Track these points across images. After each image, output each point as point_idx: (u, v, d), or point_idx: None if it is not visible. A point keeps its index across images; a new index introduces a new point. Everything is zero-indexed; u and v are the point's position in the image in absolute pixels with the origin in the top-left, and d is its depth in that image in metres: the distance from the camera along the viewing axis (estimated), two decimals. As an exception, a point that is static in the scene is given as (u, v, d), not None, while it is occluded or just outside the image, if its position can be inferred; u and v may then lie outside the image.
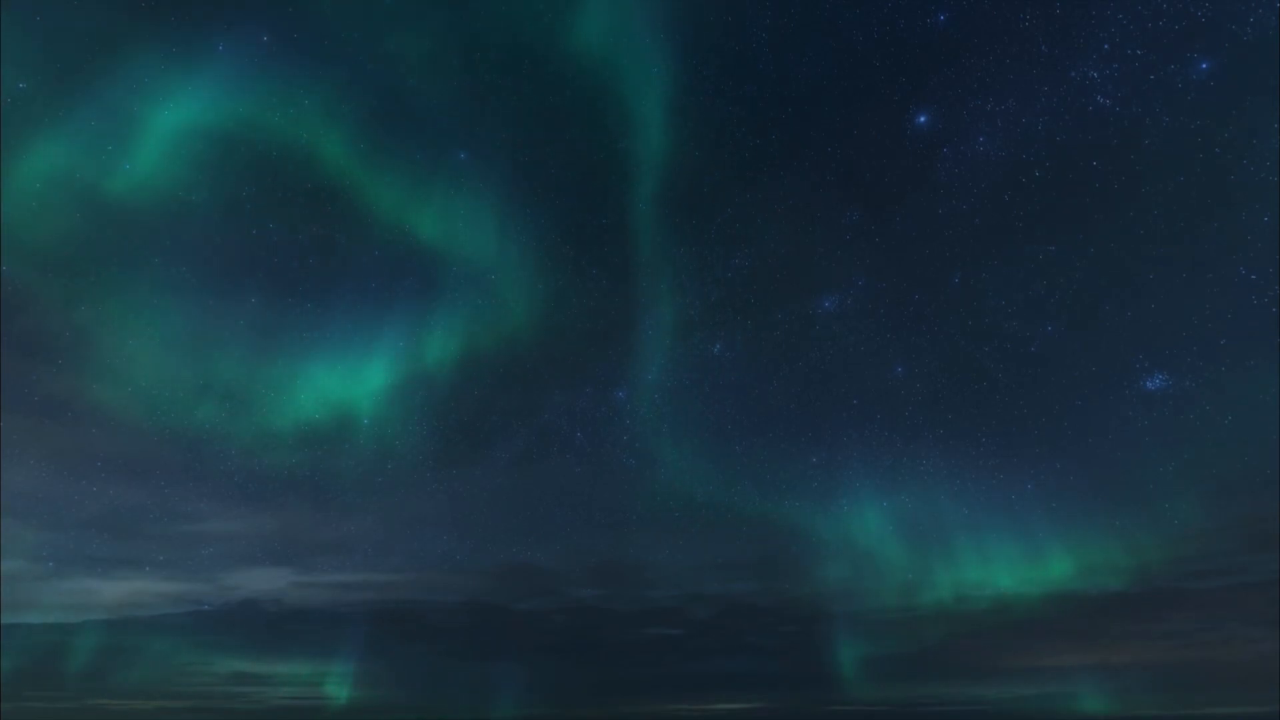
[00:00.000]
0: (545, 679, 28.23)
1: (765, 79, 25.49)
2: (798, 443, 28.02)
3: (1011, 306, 25.35)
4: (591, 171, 27.11)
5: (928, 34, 23.74)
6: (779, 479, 28.00)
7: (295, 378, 26.46)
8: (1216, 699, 23.74)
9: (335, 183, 25.68)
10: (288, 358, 26.35)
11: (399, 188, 26.33)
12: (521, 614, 29.24)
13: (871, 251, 26.25)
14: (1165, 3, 21.52)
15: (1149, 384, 24.07)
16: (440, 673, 28.31)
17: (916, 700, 27.04)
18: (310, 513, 27.84)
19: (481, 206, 26.92)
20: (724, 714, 27.88)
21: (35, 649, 26.42)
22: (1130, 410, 24.44)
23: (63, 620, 26.94)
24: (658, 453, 28.47)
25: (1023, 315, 25.26)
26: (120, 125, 23.19)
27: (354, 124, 25.33)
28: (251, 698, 27.09)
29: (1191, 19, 21.49)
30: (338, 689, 27.50)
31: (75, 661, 26.75)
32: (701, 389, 28.28)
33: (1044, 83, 23.01)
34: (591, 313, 27.89)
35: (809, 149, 25.99)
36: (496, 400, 28.80)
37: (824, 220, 26.38)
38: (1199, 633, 24.97)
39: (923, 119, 24.56)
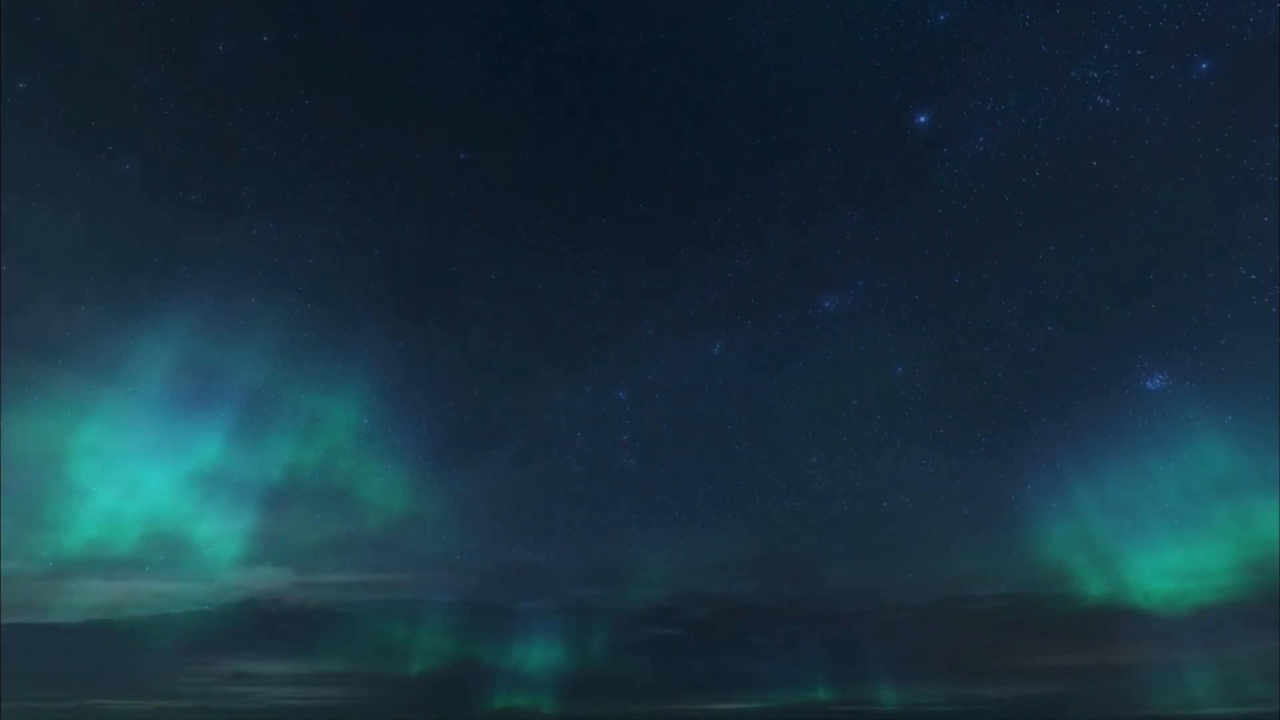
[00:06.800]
0: (544, 679, 28.22)
1: (765, 79, 25.51)
2: (798, 443, 28.04)
3: (1011, 306, 25.38)
4: (591, 171, 27.20)
5: (928, 34, 23.75)
6: (779, 479, 28.04)
7: (294, 377, 26.53)
8: (1216, 699, 23.74)
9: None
10: (286, 357, 26.40)
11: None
12: (521, 614, 29.26)
13: (871, 251, 26.28)
14: (1165, 3, 21.54)
15: (1149, 384, 24.10)
16: (440, 673, 28.30)
17: (916, 700, 27.04)
18: (310, 513, 27.87)
19: (481, 206, 27.04)
20: (724, 714, 27.87)
21: (35, 649, 26.41)
22: (1130, 410, 24.48)
23: (63, 620, 26.95)
24: (658, 453, 28.53)
25: (1023, 315, 25.29)
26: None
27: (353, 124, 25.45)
28: (251, 698, 27.08)
29: (1191, 19, 21.50)
30: (339, 688, 27.59)
31: (75, 661, 26.75)
32: (701, 389, 28.32)
33: (1044, 83, 23.02)
34: (591, 313, 27.95)
35: (809, 149, 26.04)
36: (496, 400, 28.85)
37: (824, 220, 26.45)
38: (1199, 633, 24.95)
39: (923, 119, 24.56)
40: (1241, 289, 22.30)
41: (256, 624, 28.15)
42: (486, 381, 28.39)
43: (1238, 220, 22.16)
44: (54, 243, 23.57)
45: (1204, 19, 21.39)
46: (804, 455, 27.78)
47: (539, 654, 28.51)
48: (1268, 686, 22.47)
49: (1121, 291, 24.22)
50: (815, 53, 24.86)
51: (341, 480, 27.45)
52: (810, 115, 25.81)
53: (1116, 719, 24.58)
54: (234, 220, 25.09)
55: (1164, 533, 24.95)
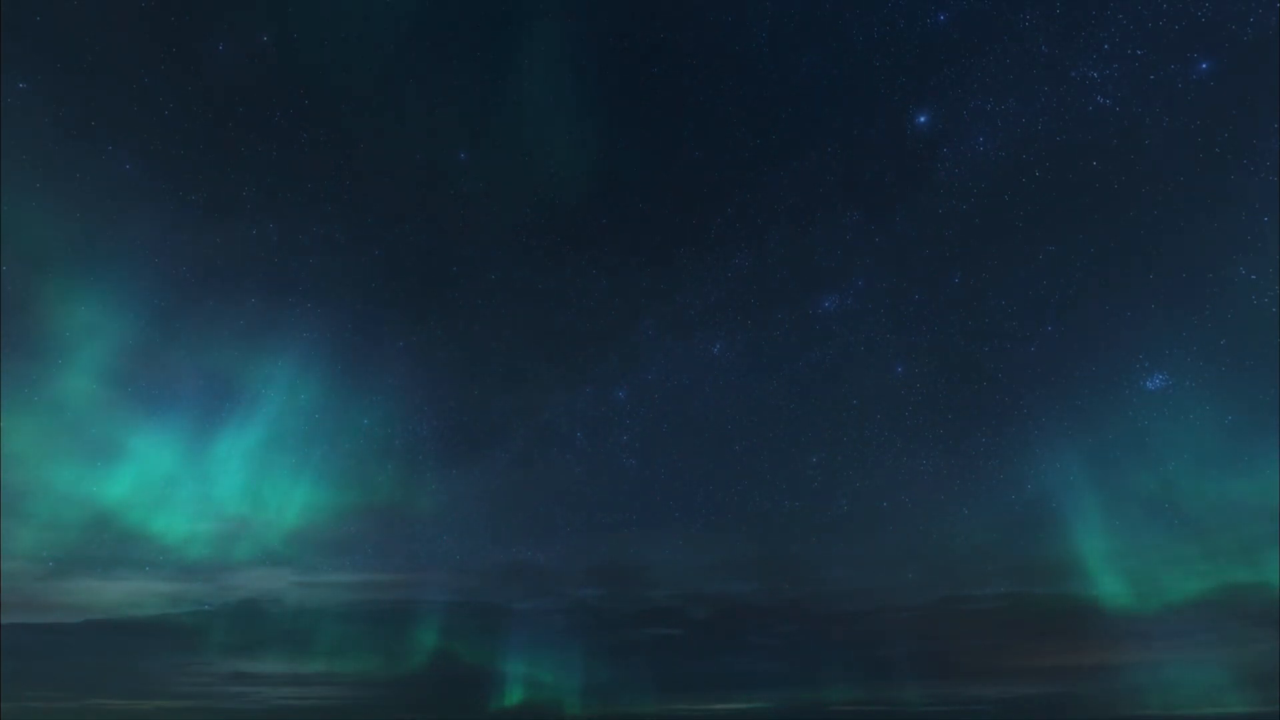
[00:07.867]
0: (543, 679, 28.24)
1: (765, 79, 25.51)
2: (798, 443, 28.04)
3: (1011, 306, 25.37)
4: (591, 171, 27.17)
5: (928, 34, 23.75)
6: (779, 479, 28.05)
7: (293, 378, 26.52)
8: (1216, 699, 23.74)
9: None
10: (286, 358, 26.40)
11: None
12: (521, 614, 29.28)
13: (871, 251, 26.27)
14: (1165, 3, 21.55)
15: (1149, 384, 24.09)
16: (439, 673, 28.31)
17: (916, 700, 27.05)
18: (310, 513, 27.87)
19: (481, 206, 27.03)
20: (724, 714, 27.89)
21: (35, 649, 26.41)
22: (1130, 410, 24.48)
23: (63, 620, 26.97)
24: (658, 453, 28.54)
25: (1023, 315, 25.29)
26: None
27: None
28: (251, 698, 27.10)
29: (1191, 19, 21.51)
30: (339, 688, 27.61)
31: (75, 661, 26.76)
32: (701, 389, 28.33)
33: (1044, 83, 23.02)
34: (591, 313, 27.95)
35: (809, 149, 26.04)
36: (496, 400, 28.85)
37: (824, 220, 26.45)
38: (1199, 632, 24.96)
39: (923, 119, 24.56)
40: (1241, 289, 22.31)
41: (256, 624, 28.17)
42: (486, 381, 28.42)
43: (1238, 220, 22.17)
44: (54, 243, 23.59)
45: (1204, 19, 21.42)
46: (804, 455, 27.81)
47: (538, 654, 28.54)
48: (1268, 686, 22.46)
49: (1121, 291, 24.25)
50: (815, 53, 24.90)
51: (341, 480, 27.49)
52: (810, 115, 25.84)
53: (1116, 719, 24.59)
54: (234, 220, 25.13)
55: (1163, 532, 25.01)
